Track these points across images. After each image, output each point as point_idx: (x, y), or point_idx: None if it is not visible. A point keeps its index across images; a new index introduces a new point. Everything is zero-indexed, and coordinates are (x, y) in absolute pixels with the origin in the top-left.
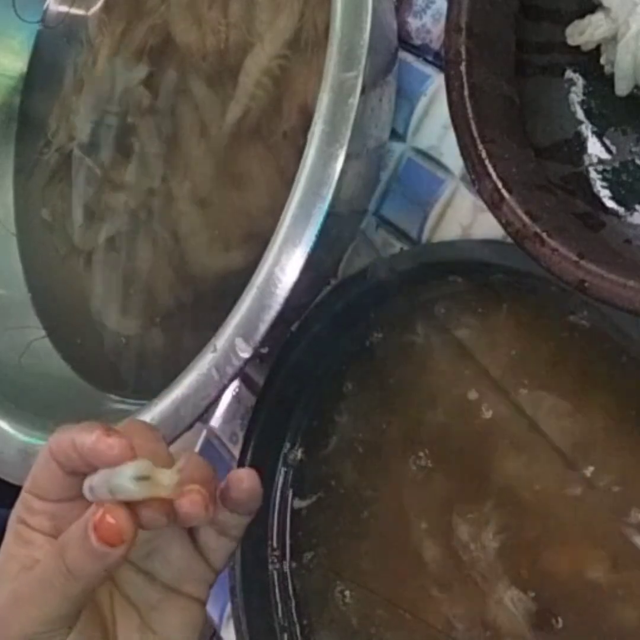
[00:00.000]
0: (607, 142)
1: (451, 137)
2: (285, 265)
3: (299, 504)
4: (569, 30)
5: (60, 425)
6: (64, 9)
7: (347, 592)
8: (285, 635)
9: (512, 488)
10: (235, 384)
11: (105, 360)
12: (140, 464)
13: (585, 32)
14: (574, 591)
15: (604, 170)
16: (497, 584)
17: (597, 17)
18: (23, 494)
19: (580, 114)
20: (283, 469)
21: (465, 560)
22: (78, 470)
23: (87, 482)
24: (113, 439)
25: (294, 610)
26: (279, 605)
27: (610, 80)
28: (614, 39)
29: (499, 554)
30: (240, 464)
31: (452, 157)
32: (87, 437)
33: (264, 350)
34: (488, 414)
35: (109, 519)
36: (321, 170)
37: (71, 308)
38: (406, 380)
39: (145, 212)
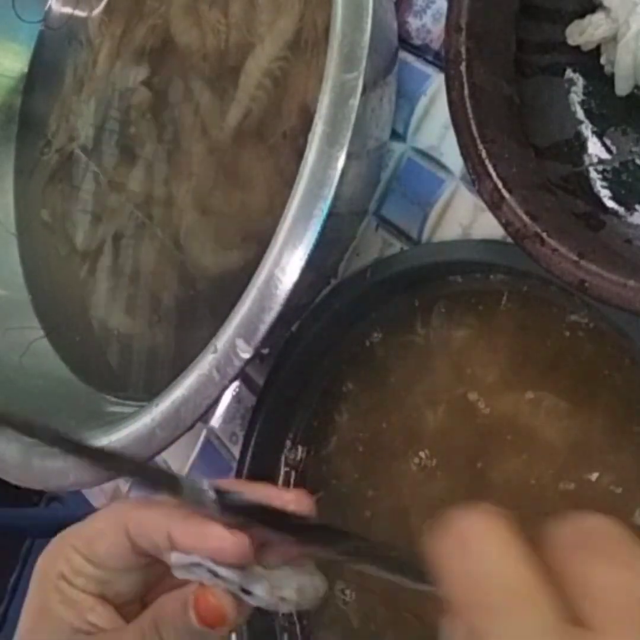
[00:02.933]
0: (607, 142)
1: (451, 137)
2: (286, 266)
3: None
4: (569, 30)
5: (62, 427)
6: (66, 10)
7: (347, 591)
8: (285, 635)
9: (513, 488)
10: (235, 384)
11: (105, 361)
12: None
13: (586, 32)
14: None
15: (604, 170)
16: None
17: (597, 17)
18: (68, 551)
19: (580, 114)
20: (284, 469)
21: None
22: (152, 553)
23: (180, 559)
24: (238, 539)
25: (294, 610)
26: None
27: (610, 80)
28: (614, 39)
29: None
30: (240, 464)
31: (452, 157)
32: (199, 530)
33: (265, 351)
34: (488, 414)
35: (211, 599)
36: (322, 171)
37: (71, 309)
38: (406, 380)
39: (146, 213)
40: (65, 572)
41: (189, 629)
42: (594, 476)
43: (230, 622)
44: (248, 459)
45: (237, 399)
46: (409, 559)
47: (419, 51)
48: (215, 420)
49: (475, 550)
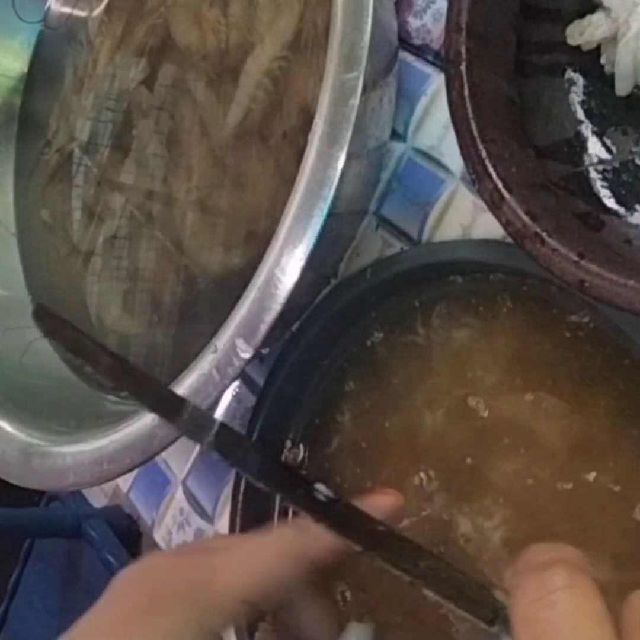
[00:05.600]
0: (608, 141)
1: (451, 137)
2: (286, 266)
3: None
4: (569, 30)
5: (62, 427)
6: (66, 10)
7: (347, 593)
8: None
9: (513, 488)
10: (235, 384)
11: None
12: None
13: (586, 32)
14: None
15: (604, 170)
16: (507, 573)
17: (598, 17)
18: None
19: (580, 114)
20: None
21: (469, 554)
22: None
23: None
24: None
25: None
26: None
27: (610, 80)
28: (614, 39)
29: (505, 545)
30: None
31: (452, 157)
32: None
33: (265, 351)
34: (488, 414)
35: None
36: (322, 171)
37: (71, 309)
38: (407, 380)
39: (146, 213)
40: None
41: None
42: (593, 476)
43: None
44: None
45: (237, 399)
46: (475, 591)
47: (419, 51)
48: None
49: (560, 604)
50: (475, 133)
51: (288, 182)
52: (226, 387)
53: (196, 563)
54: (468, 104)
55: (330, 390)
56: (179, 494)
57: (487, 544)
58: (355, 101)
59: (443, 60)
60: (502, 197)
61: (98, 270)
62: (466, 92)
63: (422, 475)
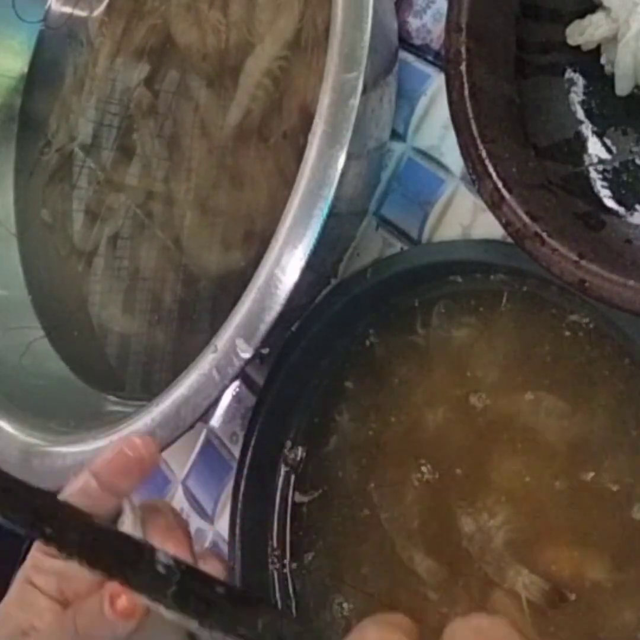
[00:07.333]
0: (608, 141)
1: (451, 137)
2: (286, 266)
3: (300, 500)
4: (569, 30)
5: (62, 427)
6: (66, 10)
7: (345, 605)
8: None
9: (512, 488)
10: (235, 384)
11: (105, 361)
12: None
13: (586, 32)
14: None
15: (605, 170)
16: (508, 571)
17: (598, 17)
18: (33, 552)
19: (580, 114)
20: (284, 469)
21: (472, 554)
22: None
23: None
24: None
25: (294, 610)
26: (279, 605)
27: (610, 80)
28: (614, 39)
29: (506, 545)
30: (240, 463)
31: (453, 157)
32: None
33: (265, 351)
34: (488, 414)
35: (123, 599)
36: (322, 171)
37: (71, 309)
38: (406, 380)
39: (146, 213)
40: (30, 573)
41: (103, 620)
42: (591, 475)
43: (138, 616)
44: (248, 459)
45: (237, 399)
46: None
47: (419, 51)
48: (215, 420)
49: None
50: (475, 133)
51: (288, 182)
52: (226, 387)
53: None
54: (468, 104)
55: (330, 390)
56: (179, 494)
57: (490, 543)
58: (355, 101)
59: (443, 60)
60: (502, 197)
61: (98, 270)
62: (466, 92)
63: (423, 474)
